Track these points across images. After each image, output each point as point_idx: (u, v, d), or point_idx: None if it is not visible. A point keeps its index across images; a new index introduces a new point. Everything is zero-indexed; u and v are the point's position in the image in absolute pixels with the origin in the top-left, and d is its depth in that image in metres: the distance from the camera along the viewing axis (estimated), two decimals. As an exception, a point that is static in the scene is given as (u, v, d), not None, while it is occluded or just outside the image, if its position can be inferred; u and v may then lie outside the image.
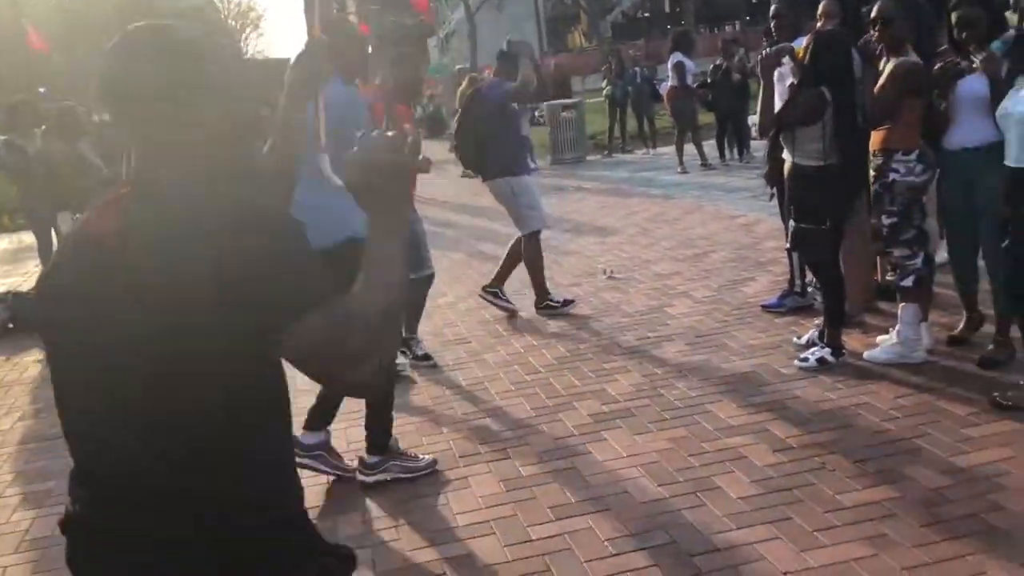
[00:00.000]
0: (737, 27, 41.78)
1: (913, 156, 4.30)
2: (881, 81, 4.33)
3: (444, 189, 12.88)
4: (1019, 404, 3.77)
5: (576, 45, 47.85)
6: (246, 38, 61.30)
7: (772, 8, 5.26)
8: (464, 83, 14.24)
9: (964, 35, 4.17)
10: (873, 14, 4.34)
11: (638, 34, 41.47)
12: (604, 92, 15.19)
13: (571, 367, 4.99)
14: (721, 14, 48.04)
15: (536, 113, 17.35)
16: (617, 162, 14.40)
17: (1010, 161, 3.88)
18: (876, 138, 4.37)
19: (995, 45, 4.11)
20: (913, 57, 4.29)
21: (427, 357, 5.25)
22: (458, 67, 21.70)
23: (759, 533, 3.09)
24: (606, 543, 3.14)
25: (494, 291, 6.20)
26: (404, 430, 4.25)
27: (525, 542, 3.22)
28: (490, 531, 3.32)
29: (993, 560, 2.78)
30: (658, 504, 3.37)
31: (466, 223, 10.31)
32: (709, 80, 12.12)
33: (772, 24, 5.29)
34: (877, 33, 4.33)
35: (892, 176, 4.32)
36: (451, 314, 6.39)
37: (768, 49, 4.85)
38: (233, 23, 56.15)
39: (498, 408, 4.53)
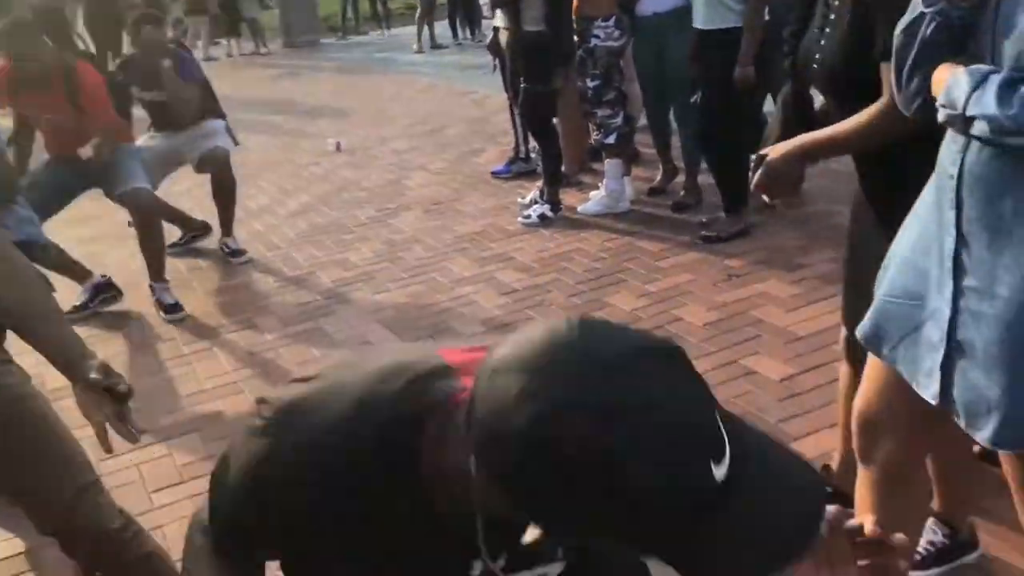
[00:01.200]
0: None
1: (611, 22, 4.73)
2: None
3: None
4: (722, 234, 4.39)
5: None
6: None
7: None
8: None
9: None
10: None
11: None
12: (333, -28, 14.82)
13: (312, 241, 5.15)
14: None
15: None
16: (352, 44, 14.24)
17: (698, 23, 4.33)
18: (576, 6, 4.76)
19: None
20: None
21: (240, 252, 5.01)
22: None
23: (486, 362, 3.50)
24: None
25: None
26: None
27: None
28: (239, 391, 3.51)
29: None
30: (398, 349, 3.70)
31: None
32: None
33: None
34: None
35: (593, 42, 4.75)
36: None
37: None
38: None
39: (241, 284, 4.64)
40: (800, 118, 2.29)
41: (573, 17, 4.77)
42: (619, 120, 4.87)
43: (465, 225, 5.11)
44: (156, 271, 4.35)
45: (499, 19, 5.12)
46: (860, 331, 1.72)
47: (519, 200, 5.33)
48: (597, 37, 4.71)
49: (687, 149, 4.95)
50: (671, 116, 5.09)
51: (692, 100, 4.54)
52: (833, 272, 3.90)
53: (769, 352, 3.33)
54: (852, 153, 2.02)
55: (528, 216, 5.00)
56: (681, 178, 5.11)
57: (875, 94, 1.80)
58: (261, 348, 3.87)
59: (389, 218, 5.40)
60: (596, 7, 4.69)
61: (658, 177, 5.29)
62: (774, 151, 2.04)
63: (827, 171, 5.11)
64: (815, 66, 2.03)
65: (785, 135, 2.14)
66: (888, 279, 1.67)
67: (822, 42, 2.00)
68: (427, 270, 4.50)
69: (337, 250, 4.95)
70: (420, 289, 4.28)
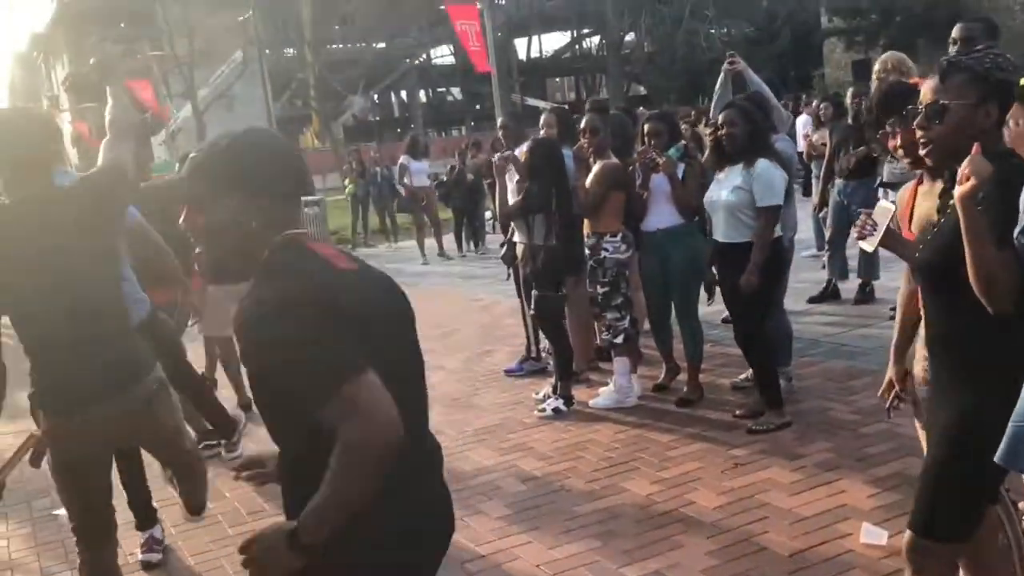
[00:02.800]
0: (463, 131, 44.55)
1: (618, 238, 5.33)
2: (590, 179, 5.35)
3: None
4: (768, 426, 4.69)
5: (309, 145, 48.56)
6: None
7: (499, 120, 6.24)
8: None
9: (652, 143, 5.30)
10: (582, 125, 5.40)
11: (370, 136, 42.92)
12: (347, 191, 15.91)
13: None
14: (448, 118, 51.09)
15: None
16: (361, 256, 15.01)
17: (718, 236, 4.87)
18: (588, 224, 5.37)
19: (672, 152, 5.26)
20: (614, 160, 5.37)
21: None
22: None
23: (515, 540, 3.78)
24: (391, 562, 3.68)
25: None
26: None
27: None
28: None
29: (691, 537, 3.65)
30: (431, 529, 3.96)
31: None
32: (444, 179, 13.24)
33: (500, 133, 6.28)
34: (586, 140, 5.37)
35: (603, 254, 5.32)
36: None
37: (497, 156, 5.79)
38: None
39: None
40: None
41: (585, 232, 5.38)
42: (626, 323, 5.37)
43: (484, 418, 5.48)
44: None
45: (516, 233, 5.73)
46: (998, 455, 2.00)
47: (533, 395, 5.72)
48: (606, 250, 5.29)
49: (688, 349, 5.41)
50: (672, 319, 5.59)
51: (709, 303, 5.05)
52: (829, 460, 4.28)
53: (776, 531, 3.62)
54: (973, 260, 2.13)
55: (543, 409, 5.38)
56: (683, 376, 5.55)
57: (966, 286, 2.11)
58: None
59: (411, 412, 5.76)
60: (606, 224, 5.30)
61: (662, 375, 5.73)
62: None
63: (820, 370, 5.59)
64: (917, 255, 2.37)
65: None
66: (1019, 408, 1.98)
67: (928, 236, 2.33)
68: (453, 459, 4.82)
69: (364, 441, 5.27)
70: (447, 476, 4.57)
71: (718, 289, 5.26)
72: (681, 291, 5.36)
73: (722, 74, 5.57)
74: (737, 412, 4.97)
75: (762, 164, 4.67)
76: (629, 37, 41.14)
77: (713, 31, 33.90)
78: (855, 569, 3.27)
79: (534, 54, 55.09)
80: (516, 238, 5.74)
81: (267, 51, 39.55)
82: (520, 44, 50.88)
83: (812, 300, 7.36)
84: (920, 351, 2.55)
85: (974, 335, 2.23)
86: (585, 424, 5.16)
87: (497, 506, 4.15)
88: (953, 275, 2.15)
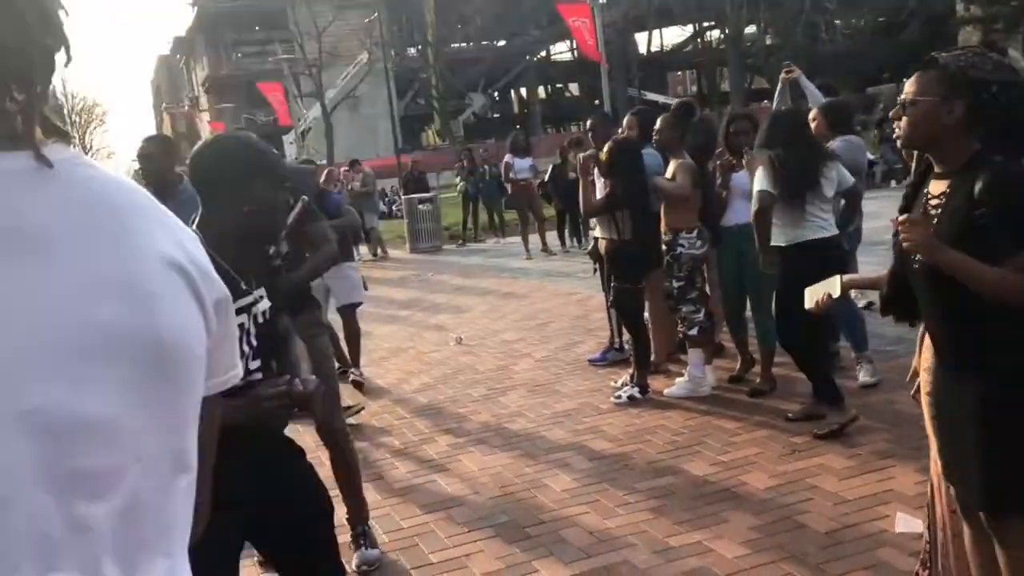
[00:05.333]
0: (579, 127, 44.75)
1: (694, 234, 5.59)
2: (668, 175, 5.62)
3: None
4: (835, 427, 4.69)
5: (431, 143, 49.87)
6: (91, 132, 60.37)
7: (589, 121, 6.59)
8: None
9: (738, 141, 5.51)
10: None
11: (489, 133, 43.72)
12: (458, 188, 16.53)
13: (429, 413, 5.96)
14: (564, 115, 51.42)
15: (394, 206, 18.53)
16: (471, 250, 15.65)
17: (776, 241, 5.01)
18: (665, 220, 5.65)
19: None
20: (688, 160, 5.62)
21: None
22: (304, 158, 22.57)
23: (574, 511, 4.13)
24: (461, 525, 4.10)
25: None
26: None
27: (397, 530, 4.14)
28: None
29: (738, 514, 3.91)
30: (501, 498, 4.37)
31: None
32: (547, 178, 13.59)
33: (589, 134, 6.62)
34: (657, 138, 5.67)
35: (679, 249, 5.59)
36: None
37: (581, 156, 6.13)
38: (76, 118, 55.33)
39: (376, 441, 5.44)
40: (896, 296, 2.60)
41: (662, 228, 5.66)
42: (700, 316, 5.62)
43: (563, 403, 5.84)
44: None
45: (598, 230, 6.06)
46: None
47: (611, 383, 6.04)
48: (682, 246, 5.56)
49: (761, 342, 5.61)
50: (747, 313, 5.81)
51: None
52: (885, 449, 4.44)
53: (819, 510, 3.85)
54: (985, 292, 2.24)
55: (619, 396, 5.70)
56: (757, 368, 5.75)
57: (966, 294, 2.21)
58: (391, 494, 4.59)
59: (498, 396, 6.19)
60: (682, 220, 5.57)
61: (737, 366, 5.94)
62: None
63: (894, 366, 5.68)
64: (915, 258, 2.38)
65: (884, 310, 2.69)
66: None
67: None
68: (529, 438, 5.21)
69: (453, 421, 5.72)
70: (520, 453, 4.98)
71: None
72: (755, 285, 5.56)
73: (780, 83, 5.76)
74: (789, 415, 5.00)
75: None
76: (750, 29, 40.52)
77: (838, 22, 33.07)
78: (886, 547, 3.47)
79: (654, 48, 54.80)
80: (598, 233, 6.07)
81: (392, 52, 40.97)
82: (641, 39, 50.79)
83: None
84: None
85: (984, 323, 2.30)
86: (657, 411, 5.45)
87: (563, 481, 4.51)
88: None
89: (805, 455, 4.50)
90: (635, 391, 5.70)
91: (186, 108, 58.24)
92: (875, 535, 3.59)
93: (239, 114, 41.23)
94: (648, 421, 5.30)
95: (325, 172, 15.55)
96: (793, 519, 3.81)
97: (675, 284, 5.65)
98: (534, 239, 13.75)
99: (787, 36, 33.82)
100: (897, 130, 2.46)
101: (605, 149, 5.68)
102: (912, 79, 2.38)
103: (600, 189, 5.95)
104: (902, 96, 2.40)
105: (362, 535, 3.78)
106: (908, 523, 3.61)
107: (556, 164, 13.15)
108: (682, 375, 5.90)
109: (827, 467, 4.31)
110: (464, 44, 50.57)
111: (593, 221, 6.27)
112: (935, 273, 2.34)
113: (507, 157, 13.98)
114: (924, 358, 2.70)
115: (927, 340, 2.70)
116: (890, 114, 2.48)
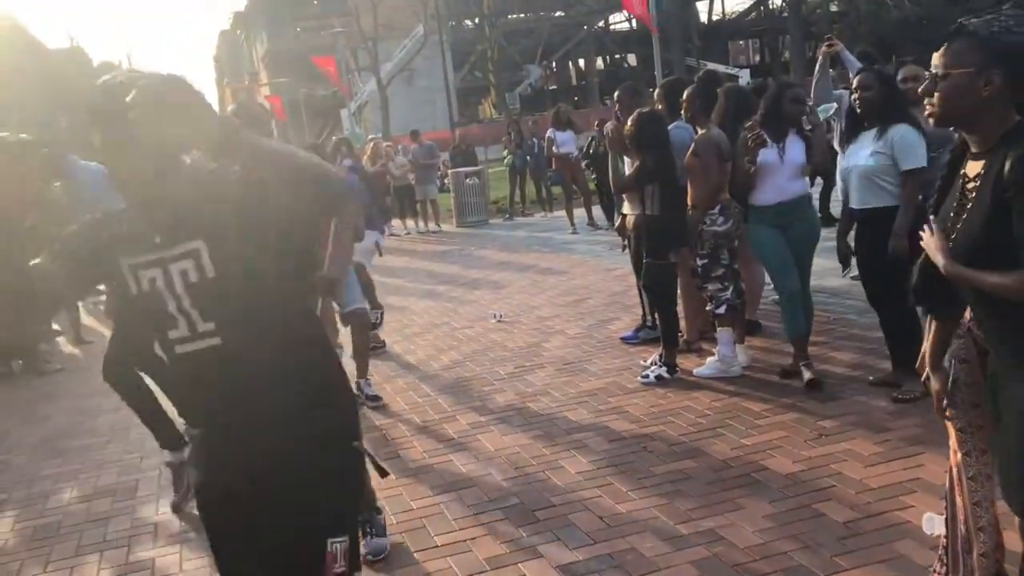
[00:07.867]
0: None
1: (716, 210, 5.38)
2: (691, 150, 5.42)
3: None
4: (914, 394, 4.58)
5: (487, 116, 49.68)
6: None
7: (616, 93, 6.40)
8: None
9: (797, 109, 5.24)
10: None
11: (546, 105, 43.37)
12: (504, 161, 16.38)
13: (454, 391, 5.90)
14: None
15: (443, 180, 18.47)
16: (517, 224, 15.53)
17: (854, 204, 4.81)
18: (691, 196, 5.46)
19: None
20: (715, 129, 5.41)
21: (376, 398, 5.80)
22: (370, 136, 22.70)
23: (587, 494, 4.03)
24: (470, 507, 4.04)
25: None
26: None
27: (407, 511, 4.09)
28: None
29: (754, 501, 3.78)
30: (514, 480, 4.29)
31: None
32: (585, 151, 13.34)
33: (616, 106, 6.43)
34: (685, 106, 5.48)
35: (700, 226, 5.41)
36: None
37: (606, 128, 5.97)
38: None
39: (398, 418, 5.41)
40: (926, 288, 2.42)
41: (689, 204, 5.48)
42: (728, 293, 5.43)
43: (590, 382, 5.72)
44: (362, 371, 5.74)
45: (626, 206, 5.90)
46: None
47: (641, 362, 5.91)
48: (704, 223, 5.37)
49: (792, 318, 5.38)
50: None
51: (844, 275, 5.01)
52: (916, 435, 4.25)
53: (839, 499, 3.69)
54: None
55: (646, 376, 5.56)
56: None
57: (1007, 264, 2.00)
58: (406, 472, 4.55)
59: (525, 374, 6.10)
60: (705, 196, 5.37)
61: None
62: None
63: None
64: (951, 244, 2.16)
65: (916, 301, 2.50)
66: None
67: (959, 225, 2.14)
68: (551, 418, 5.12)
69: (477, 399, 5.66)
70: (539, 433, 4.89)
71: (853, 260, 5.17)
72: (797, 262, 5.32)
73: (821, 56, 5.52)
74: (871, 378, 4.98)
75: (900, 128, 4.59)
76: (814, -4, 39.39)
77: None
78: (906, 539, 3.31)
79: (715, 16, 53.67)
80: (626, 209, 5.91)
81: (448, 24, 40.72)
82: (702, 8, 49.81)
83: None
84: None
85: None
86: (684, 391, 5.31)
87: (580, 462, 4.41)
88: (990, 260, 2.05)
89: (832, 440, 4.33)
90: (663, 370, 5.56)
91: (246, 83, 58.95)
92: (897, 526, 3.42)
93: (296, 88, 41.59)
94: (673, 402, 5.17)
95: (371, 145, 15.68)
96: (812, 507, 3.66)
97: (699, 262, 5.47)
98: (580, 213, 13.57)
99: (852, 2, 32.72)
100: (928, 108, 2.20)
101: (629, 122, 5.51)
102: (941, 50, 2.14)
103: (629, 164, 5.80)
104: (931, 69, 2.16)
105: (369, 522, 3.73)
106: (938, 524, 3.42)
107: (593, 137, 12.91)
108: (713, 354, 5.74)
109: (854, 452, 4.14)
110: (521, 15, 50.14)
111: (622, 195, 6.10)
112: (974, 257, 2.12)
113: (549, 131, 13.79)
114: (930, 342, 2.56)
115: (935, 325, 2.54)
116: (919, 90, 2.23)
